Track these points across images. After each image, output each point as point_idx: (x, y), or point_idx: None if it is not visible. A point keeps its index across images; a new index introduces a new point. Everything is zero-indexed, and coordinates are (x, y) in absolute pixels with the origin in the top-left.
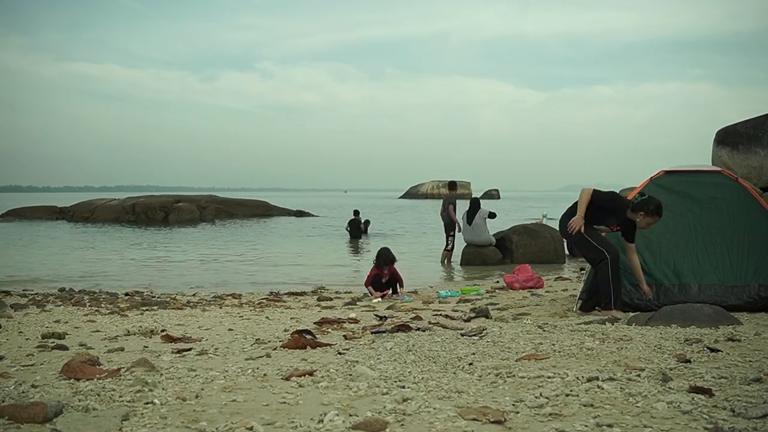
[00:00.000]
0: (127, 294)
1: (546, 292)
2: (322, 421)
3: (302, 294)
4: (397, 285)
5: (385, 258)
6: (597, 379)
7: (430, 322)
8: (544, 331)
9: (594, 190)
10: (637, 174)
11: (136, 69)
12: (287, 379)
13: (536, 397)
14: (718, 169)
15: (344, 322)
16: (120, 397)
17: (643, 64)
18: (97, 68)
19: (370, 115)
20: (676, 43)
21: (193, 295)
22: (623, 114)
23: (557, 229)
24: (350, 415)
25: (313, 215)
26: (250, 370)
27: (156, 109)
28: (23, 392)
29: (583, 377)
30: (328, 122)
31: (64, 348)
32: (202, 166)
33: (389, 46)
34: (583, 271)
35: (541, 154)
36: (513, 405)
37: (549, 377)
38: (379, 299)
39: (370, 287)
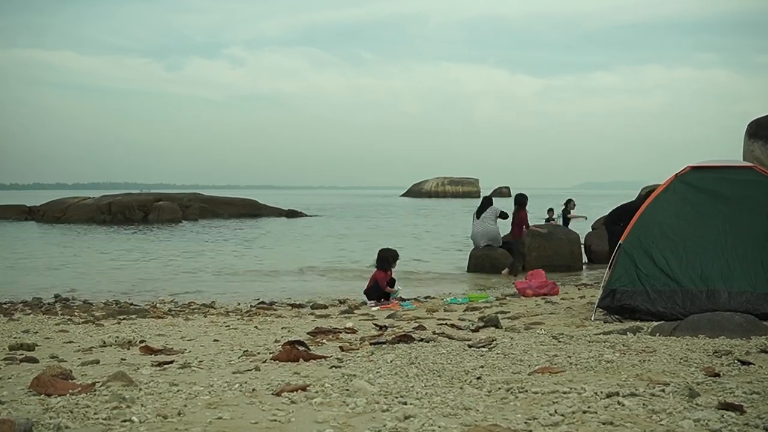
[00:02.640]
0: (105, 302)
1: (561, 299)
2: None
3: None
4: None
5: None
6: (617, 394)
7: (434, 332)
8: (560, 342)
9: None
10: (661, 170)
11: (93, 56)
12: (278, 394)
13: (551, 415)
14: (750, 164)
15: (340, 333)
16: (95, 414)
17: (644, 49)
18: (50, 55)
19: (357, 105)
20: (678, 25)
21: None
22: (631, 104)
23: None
24: None
25: (306, 215)
26: (237, 385)
27: (122, 99)
28: None
29: (602, 393)
30: (311, 113)
31: (34, 360)
32: (184, 162)
33: (361, 29)
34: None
35: (552, 148)
36: (525, 423)
37: (565, 392)
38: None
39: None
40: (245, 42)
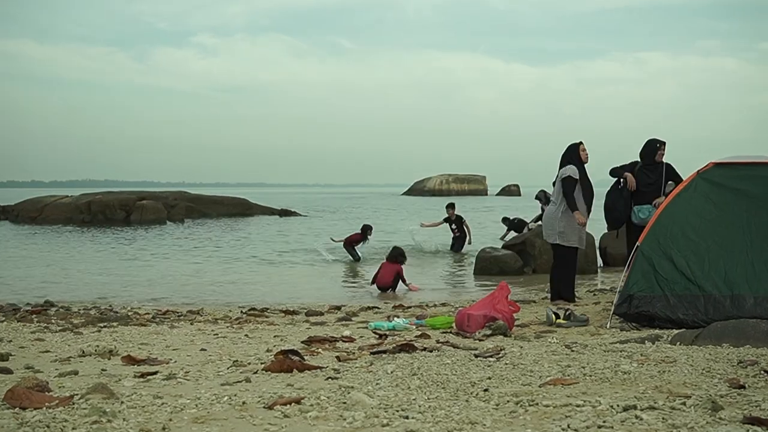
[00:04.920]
0: (84, 309)
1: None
2: None
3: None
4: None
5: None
6: (635, 407)
7: (438, 341)
8: (573, 351)
9: None
10: (681, 167)
11: (53, 45)
12: (270, 407)
13: (563, 429)
14: None
15: (337, 341)
16: (73, 429)
17: (641, 34)
18: (6, 44)
19: (344, 97)
20: (674, 9)
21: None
22: (638, 94)
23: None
24: None
25: (300, 215)
26: (226, 398)
27: (92, 91)
28: None
29: (618, 406)
30: (297, 107)
31: (8, 371)
32: (169, 159)
33: (333, 15)
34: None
35: (559, 143)
36: None
37: (578, 406)
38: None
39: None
40: (213, 29)
